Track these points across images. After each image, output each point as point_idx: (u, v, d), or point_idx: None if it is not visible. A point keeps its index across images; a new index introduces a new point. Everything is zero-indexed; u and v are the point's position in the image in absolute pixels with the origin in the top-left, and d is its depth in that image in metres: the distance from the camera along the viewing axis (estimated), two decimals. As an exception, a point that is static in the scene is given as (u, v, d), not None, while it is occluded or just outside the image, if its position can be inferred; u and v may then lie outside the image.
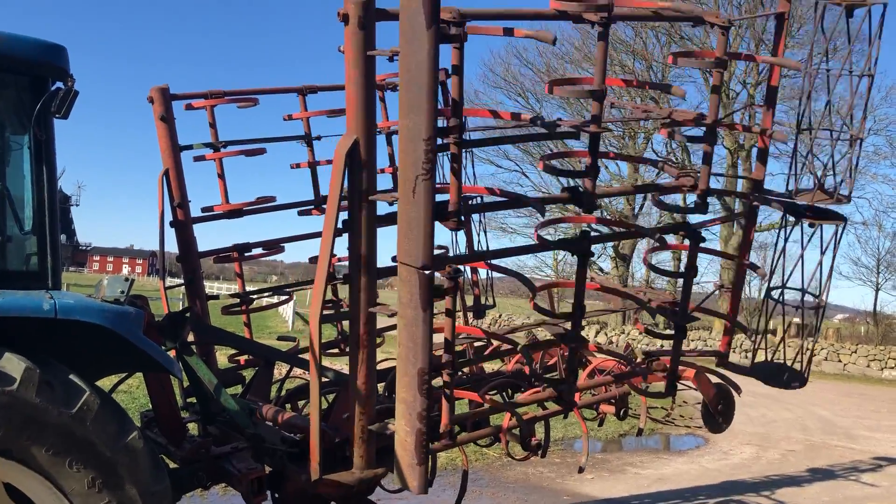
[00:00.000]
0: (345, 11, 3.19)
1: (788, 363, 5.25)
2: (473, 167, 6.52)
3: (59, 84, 3.67)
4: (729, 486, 9.19)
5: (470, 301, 6.63)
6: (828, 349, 26.77)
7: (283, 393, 5.49)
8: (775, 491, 9.10)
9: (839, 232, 5.07)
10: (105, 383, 3.69)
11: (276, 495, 4.25)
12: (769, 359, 5.34)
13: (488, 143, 6.79)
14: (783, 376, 5.21)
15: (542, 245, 4.47)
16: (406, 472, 3.53)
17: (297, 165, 6.60)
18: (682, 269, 4.87)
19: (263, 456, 4.17)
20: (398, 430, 3.52)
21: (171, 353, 4.34)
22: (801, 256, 5.12)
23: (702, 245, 4.74)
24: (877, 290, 41.16)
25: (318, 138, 6.56)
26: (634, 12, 4.90)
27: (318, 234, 6.33)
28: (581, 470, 6.19)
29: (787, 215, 5.03)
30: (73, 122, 3.77)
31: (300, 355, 5.70)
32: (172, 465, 4.25)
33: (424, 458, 3.48)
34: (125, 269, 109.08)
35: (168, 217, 5.68)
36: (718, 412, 5.20)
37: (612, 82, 4.64)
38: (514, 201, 4.49)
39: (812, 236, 5.07)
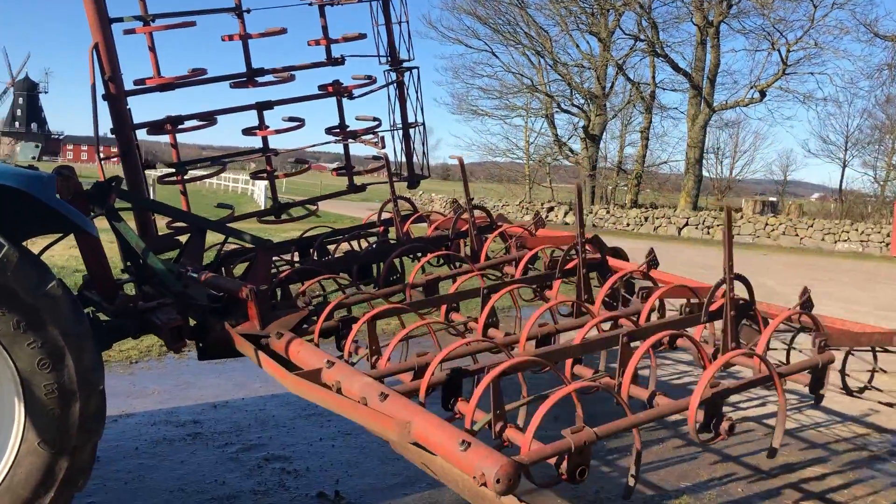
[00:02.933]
0: None
1: None
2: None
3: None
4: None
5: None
6: (785, 223, 27.58)
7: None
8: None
9: None
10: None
11: (200, 345, 4.66)
12: None
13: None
14: None
15: None
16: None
17: (230, 38, 6.64)
18: None
19: (188, 310, 4.55)
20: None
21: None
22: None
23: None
24: (843, 167, 41.89)
25: (248, 11, 6.58)
26: None
27: (251, 107, 6.49)
28: None
29: None
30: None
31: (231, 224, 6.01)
32: (106, 319, 4.62)
33: None
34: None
35: (100, 91, 5.78)
36: None
37: None
38: None
39: None
